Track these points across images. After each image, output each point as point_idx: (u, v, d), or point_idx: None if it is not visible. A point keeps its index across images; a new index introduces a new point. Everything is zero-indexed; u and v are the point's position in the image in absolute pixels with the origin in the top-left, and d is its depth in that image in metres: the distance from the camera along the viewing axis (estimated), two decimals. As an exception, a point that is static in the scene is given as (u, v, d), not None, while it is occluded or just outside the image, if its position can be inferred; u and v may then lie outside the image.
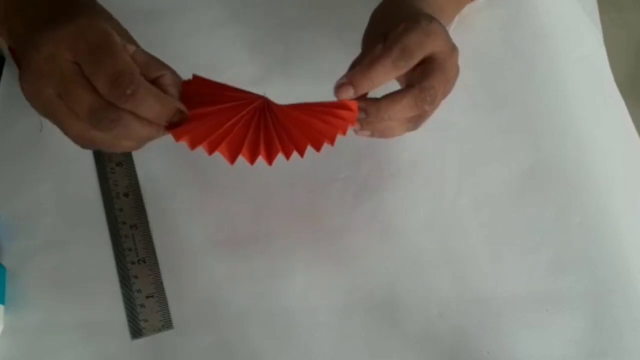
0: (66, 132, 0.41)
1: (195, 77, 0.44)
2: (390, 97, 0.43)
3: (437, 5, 0.49)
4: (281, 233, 0.51)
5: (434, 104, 0.44)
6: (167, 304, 0.48)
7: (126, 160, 0.54)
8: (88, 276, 0.49)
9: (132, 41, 0.43)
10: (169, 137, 0.56)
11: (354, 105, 0.43)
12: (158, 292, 0.49)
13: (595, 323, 0.46)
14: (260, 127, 0.42)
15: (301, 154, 0.42)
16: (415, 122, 0.46)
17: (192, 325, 0.48)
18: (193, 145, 0.42)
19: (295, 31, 0.59)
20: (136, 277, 0.49)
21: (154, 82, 0.41)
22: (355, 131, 0.45)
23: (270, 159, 0.42)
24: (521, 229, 0.50)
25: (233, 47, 0.59)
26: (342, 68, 0.48)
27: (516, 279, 0.48)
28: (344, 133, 0.43)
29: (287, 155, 0.42)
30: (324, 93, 0.52)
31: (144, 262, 0.50)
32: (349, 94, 0.43)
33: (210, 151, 0.42)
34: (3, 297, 0.48)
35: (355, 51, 0.48)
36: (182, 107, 0.41)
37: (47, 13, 0.42)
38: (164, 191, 0.53)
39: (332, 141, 0.42)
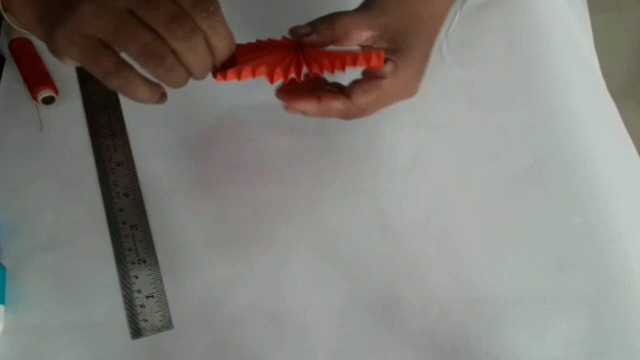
0: (126, 48, 0.40)
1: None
2: (328, 97, 0.47)
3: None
4: (281, 233, 0.51)
5: (362, 116, 0.48)
6: (167, 304, 0.48)
7: (126, 160, 0.54)
8: (88, 276, 0.49)
9: None
10: (168, 139, 0.57)
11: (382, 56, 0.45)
12: (158, 292, 0.49)
13: (595, 323, 0.46)
14: (293, 59, 0.45)
15: (323, 69, 0.44)
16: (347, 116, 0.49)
17: (192, 325, 0.48)
18: (238, 75, 0.43)
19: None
20: (136, 277, 0.49)
21: None
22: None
23: (298, 77, 0.45)
24: (521, 228, 0.50)
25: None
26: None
27: (516, 278, 0.48)
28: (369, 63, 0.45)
29: (310, 71, 0.45)
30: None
31: (144, 262, 0.50)
32: (306, 29, 0.45)
33: (253, 73, 0.44)
34: (3, 296, 0.48)
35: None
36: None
37: None
38: (164, 191, 0.53)
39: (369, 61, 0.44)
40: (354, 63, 0.44)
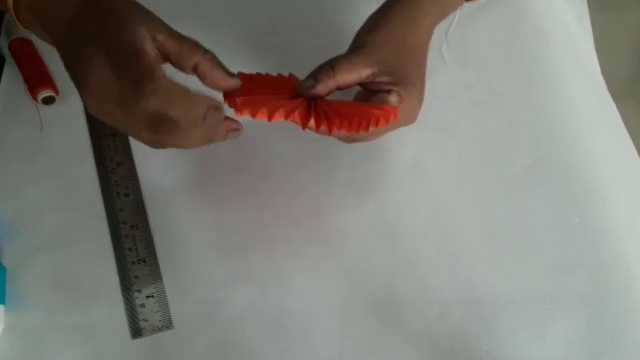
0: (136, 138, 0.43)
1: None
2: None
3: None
4: (281, 233, 0.51)
5: (361, 141, 0.49)
6: (167, 304, 0.48)
7: (127, 160, 0.54)
8: (88, 276, 0.49)
9: (163, 29, 0.42)
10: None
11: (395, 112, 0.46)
12: (158, 292, 0.49)
13: (595, 323, 0.47)
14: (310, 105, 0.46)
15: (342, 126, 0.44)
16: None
17: (192, 325, 0.48)
18: (253, 113, 0.44)
19: (296, 28, 0.60)
20: (136, 277, 0.49)
21: (195, 69, 0.43)
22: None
23: (317, 127, 0.45)
24: (520, 228, 0.50)
25: (234, 48, 0.59)
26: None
27: (516, 278, 0.48)
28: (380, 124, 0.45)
29: (331, 129, 0.45)
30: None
31: (144, 262, 0.50)
32: (310, 82, 0.46)
33: (286, 117, 0.44)
34: (3, 297, 0.48)
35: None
36: (232, 81, 0.43)
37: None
38: (164, 191, 0.53)
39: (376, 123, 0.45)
40: (377, 124, 0.44)
